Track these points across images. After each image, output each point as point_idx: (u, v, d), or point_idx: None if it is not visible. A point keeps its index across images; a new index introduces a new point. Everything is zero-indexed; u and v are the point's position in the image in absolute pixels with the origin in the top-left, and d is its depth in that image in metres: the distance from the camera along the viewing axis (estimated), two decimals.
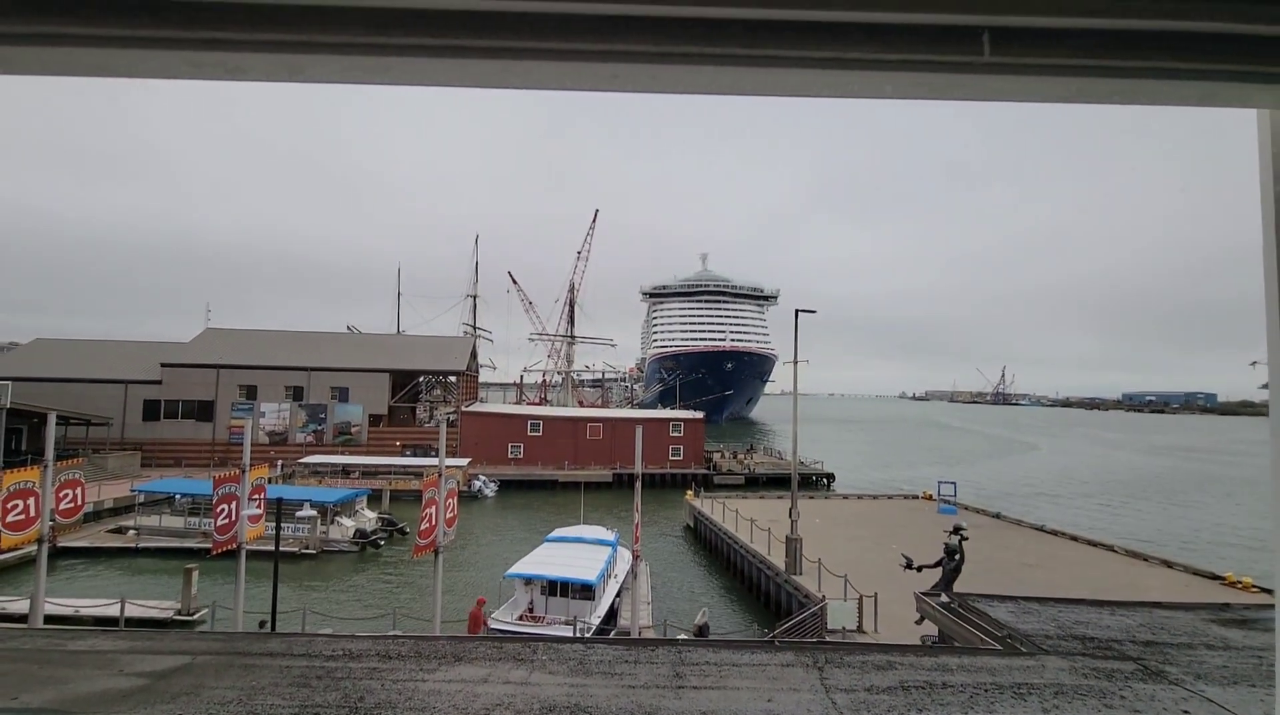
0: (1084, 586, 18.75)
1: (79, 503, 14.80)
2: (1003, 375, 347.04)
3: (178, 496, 33.69)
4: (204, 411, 54.22)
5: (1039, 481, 61.81)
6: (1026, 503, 46.51)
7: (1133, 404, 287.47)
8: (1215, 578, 21.56)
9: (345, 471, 45.98)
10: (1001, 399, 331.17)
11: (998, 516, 33.13)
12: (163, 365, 54.30)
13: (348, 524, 32.60)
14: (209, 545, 18.80)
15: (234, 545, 16.83)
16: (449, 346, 65.49)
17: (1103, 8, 0.48)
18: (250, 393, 55.04)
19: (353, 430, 55.67)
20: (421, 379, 62.88)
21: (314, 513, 30.17)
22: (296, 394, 55.58)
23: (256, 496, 18.35)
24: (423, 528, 17.76)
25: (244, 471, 17.57)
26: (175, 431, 53.52)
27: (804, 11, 0.51)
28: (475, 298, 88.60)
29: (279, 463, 45.52)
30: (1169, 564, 23.74)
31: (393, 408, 58.33)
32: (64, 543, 28.37)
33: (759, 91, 0.58)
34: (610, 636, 18.41)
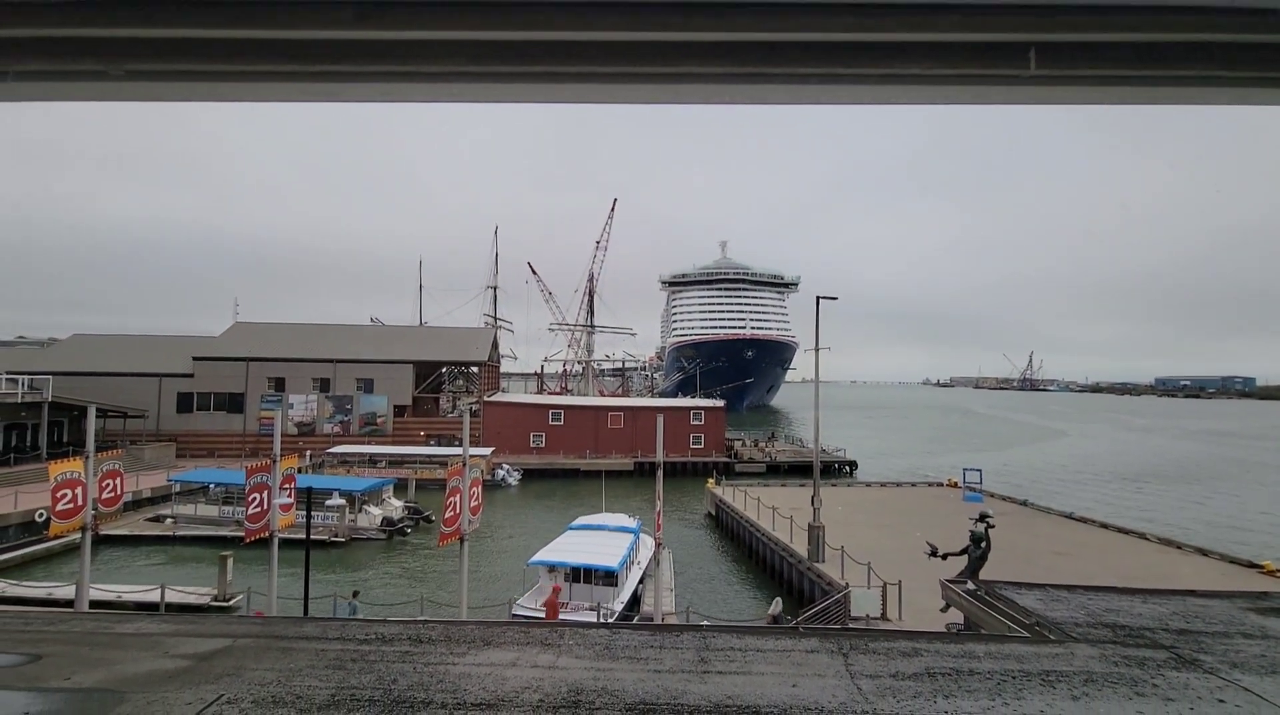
0: (1115, 574, 18.47)
1: (119, 492, 15.30)
2: (1030, 361, 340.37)
3: (212, 486, 34.63)
4: (234, 403, 55.51)
5: (1067, 468, 60.74)
6: (1054, 490, 45.77)
7: (1166, 389, 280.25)
8: (1253, 566, 21.07)
9: (372, 461, 46.83)
10: (1029, 385, 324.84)
11: (1025, 504, 32.68)
12: (194, 359, 55.65)
13: (375, 512, 33.25)
14: (242, 533, 19.36)
15: (266, 533, 17.30)
16: (471, 337, 66.19)
17: (1135, 24, 0.54)
18: (279, 385, 56.20)
19: (378, 421, 56.61)
20: (444, 370, 63.67)
21: (342, 501, 30.85)
22: (323, 386, 56.63)
23: (287, 486, 18.82)
24: (447, 516, 18.06)
25: (275, 461, 18.02)
26: (208, 423, 54.90)
27: (865, 34, 0.56)
28: (495, 289, 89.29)
29: (307, 453, 46.52)
30: (1204, 551, 23.24)
31: (417, 398, 59.17)
32: (105, 531, 29.38)
33: (810, 102, 0.63)
34: (636, 622, 18.60)
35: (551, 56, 0.63)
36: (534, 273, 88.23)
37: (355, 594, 19.68)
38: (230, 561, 22.44)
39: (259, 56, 0.67)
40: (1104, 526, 27.71)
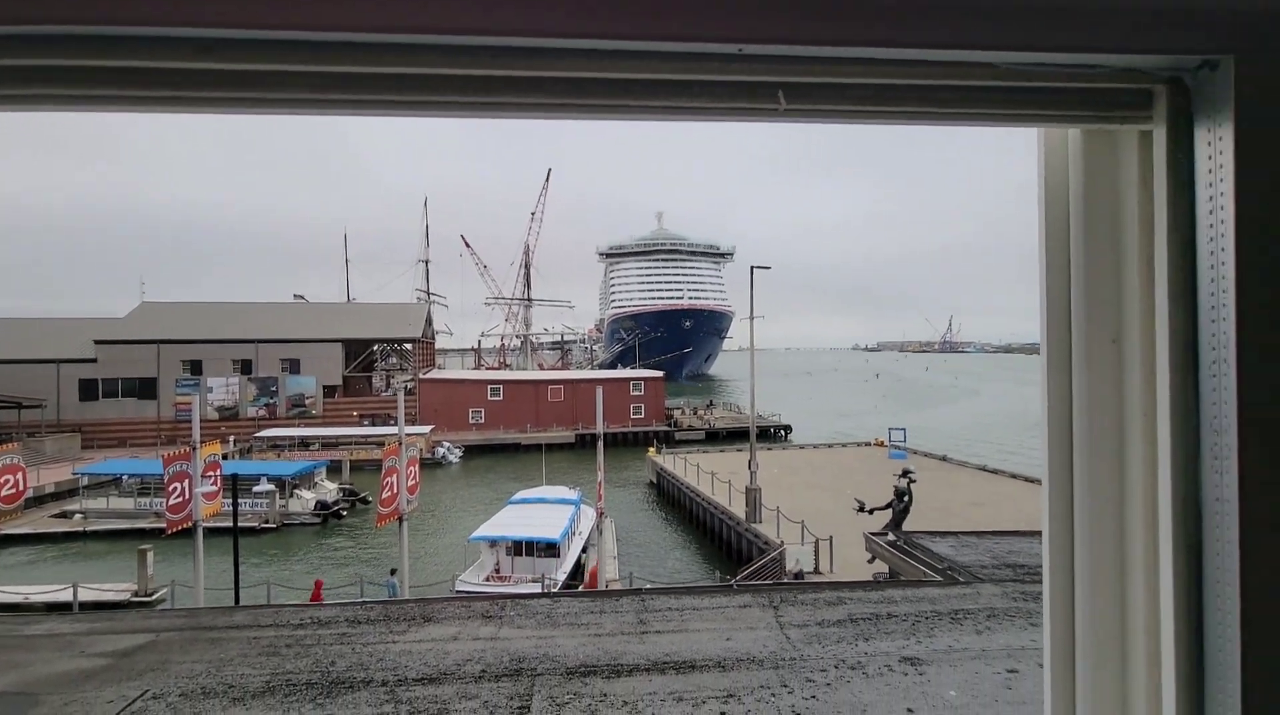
0: (1022, 520, 20.06)
1: (20, 488, 14.25)
2: (949, 325, 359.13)
3: (125, 477, 32.59)
4: (146, 389, 52.04)
5: (980, 424, 64.94)
6: (970, 444, 48.90)
7: None
8: None
9: (304, 444, 45.11)
10: (949, 347, 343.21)
11: (944, 459, 34.83)
12: (97, 342, 51.63)
13: (308, 496, 32.21)
14: (163, 525, 18.40)
15: (189, 523, 16.53)
16: (403, 313, 64.02)
17: (869, 72, 0.68)
18: (195, 368, 53.00)
19: (307, 402, 54.39)
20: (376, 347, 61.55)
21: (272, 487, 29.69)
22: (245, 367, 53.79)
23: (211, 473, 17.98)
24: (384, 496, 17.75)
25: (195, 449, 17.15)
26: (116, 411, 51.32)
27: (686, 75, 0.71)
28: (427, 263, 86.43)
29: (231, 438, 44.30)
30: None
31: (348, 378, 57.10)
32: (5, 530, 27.28)
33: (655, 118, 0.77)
34: (577, 590, 18.93)
35: (513, 89, 0.69)
36: (467, 246, 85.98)
37: (393, 571, 19.03)
38: (150, 555, 21.32)
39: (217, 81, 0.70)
40: (1013, 477, 29.93)
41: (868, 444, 41.54)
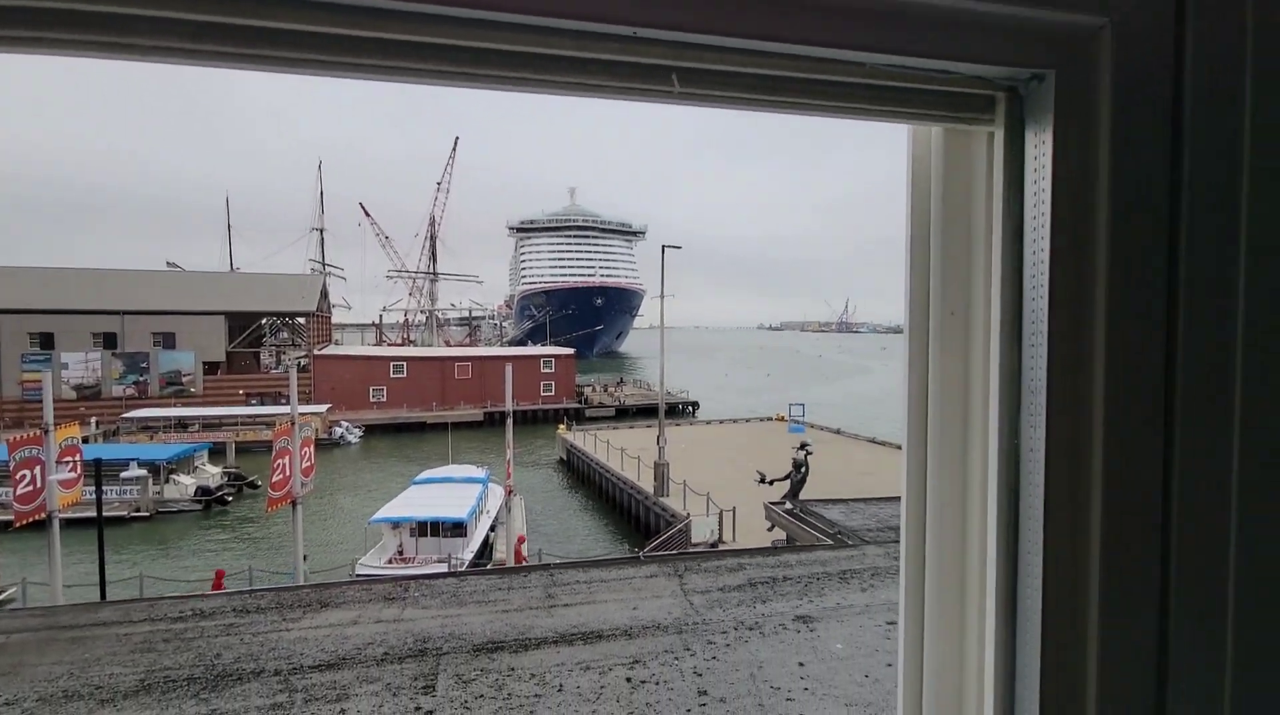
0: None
1: None
2: (846, 306, 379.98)
3: None
4: None
5: (872, 398, 69.55)
6: (862, 418, 52.31)
7: None
8: None
9: (182, 425, 41.48)
10: (845, 328, 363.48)
11: (838, 432, 37.07)
12: None
13: (186, 482, 29.73)
14: (9, 517, 16.43)
15: (42, 514, 14.86)
16: (295, 285, 59.69)
17: (754, 62, 0.75)
18: (46, 341, 47.16)
19: (184, 380, 49.88)
20: (265, 321, 57.16)
21: (144, 472, 27.19)
22: (108, 341, 48.46)
23: (69, 458, 16.18)
24: (275, 479, 16.69)
25: (48, 432, 15.35)
26: None
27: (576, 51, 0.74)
28: (322, 231, 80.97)
29: (93, 420, 40.03)
30: None
31: (232, 354, 52.81)
32: None
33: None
34: (484, 568, 18.74)
35: (416, 55, 0.68)
36: (367, 214, 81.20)
37: (305, 558, 17.72)
38: None
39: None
40: (898, 448, 32.24)
41: (769, 419, 43.43)
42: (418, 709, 4.31)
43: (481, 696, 4.47)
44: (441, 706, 4.34)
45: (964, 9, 0.74)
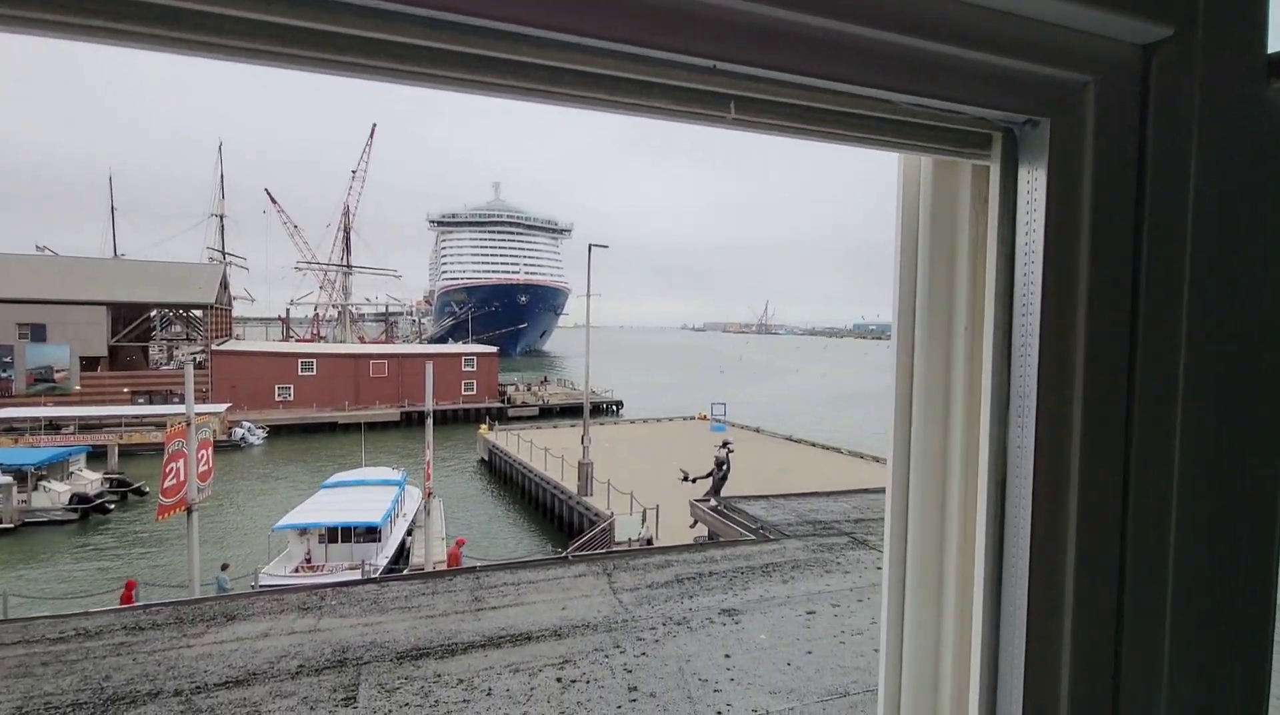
0: (819, 482, 22.76)
1: None
2: (765, 309, 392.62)
3: None
4: None
5: (789, 398, 72.24)
6: (779, 417, 54.19)
7: (860, 332, 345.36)
8: None
9: (55, 426, 37.52)
10: (764, 329, 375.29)
11: (758, 431, 38.26)
12: None
13: (59, 489, 26.92)
14: None
15: None
16: (190, 274, 55.21)
17: (800, 94, 0.86)
18: None
19: (57, 377, 45.11)
20: (155, 313, 52.58)
21: (7, 479, 24.43)
22: None
23: None
24: (167, 486, 15.41)
25: None
26: None
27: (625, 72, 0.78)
28: (222, 218, 75.36)
29: None
30: (878, 458, 29.71)
31: (115, 348, 48.26)
32: None
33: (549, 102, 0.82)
34: (405, 573, 18.07)
35: (493, 70, 0.70)
36: (273, 201, 76.25)
37: (225, 566, 16.18)
38: None
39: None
40: (813, 445, 33.79)
41: (692, 418, 44.22)
42: None
43: (407, 705, 4.33)
44: None
45: (979, 60, 0.86)
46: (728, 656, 5.17)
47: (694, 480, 18.08)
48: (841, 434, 46.43)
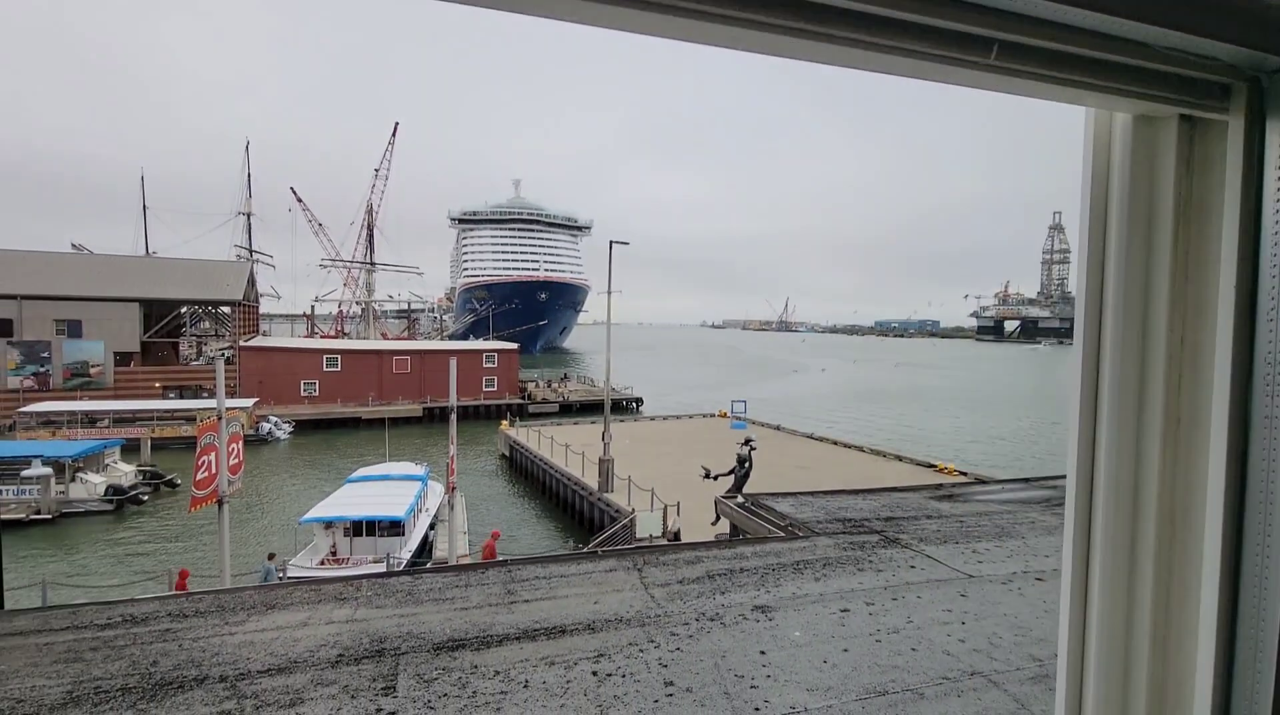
0: (843, 480, 22.55)
1: None
2: (785, 306, 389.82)
3: None
4: None
5: (809, 396, 71.70)
6: (800, 415, 53.82)
7: (882, 330, 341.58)
8: (931, 466, 27.20)
9: (90, 420, 38.51)
10: (784, 327, 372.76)
11: (778, 428, 38.02)
12: None
13: (96, 480, 27.63)
14: None
15: None
16: (219, 272, 56.30)
17: (1059, 37, 0.74)
18: None
19: (92, 372, 46.30)
20: (185, 310, 53.71)
21: (47, 470, 25.13)
22: (3, 328, 44.44)
23: None
24: (199, 478, 15.72)
25: None
26: None
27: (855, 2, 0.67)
28: (249, 216, 76.66)
29: None
30: (900, 457, 29.37)
31: (147, 344, 49.38)
32: None
33: (786, 54, 0.72)
34: (440, 565, 18.27)
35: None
36: (299, 200, 77.38)
37: (271, 556, 16.75)
38: None
39: None
40: (834, 443, 33.49)
41: (712, 415, 44.09)
42: (379, 710, 4.17)
43: (445, 695, 4.36)
44: (404, 707, 4.22)
45: None
46: (763, 653, 5.13)
47: (715, 477, 18.00)
48: (864, 431, 46.02)
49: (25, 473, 23.29)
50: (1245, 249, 0.84)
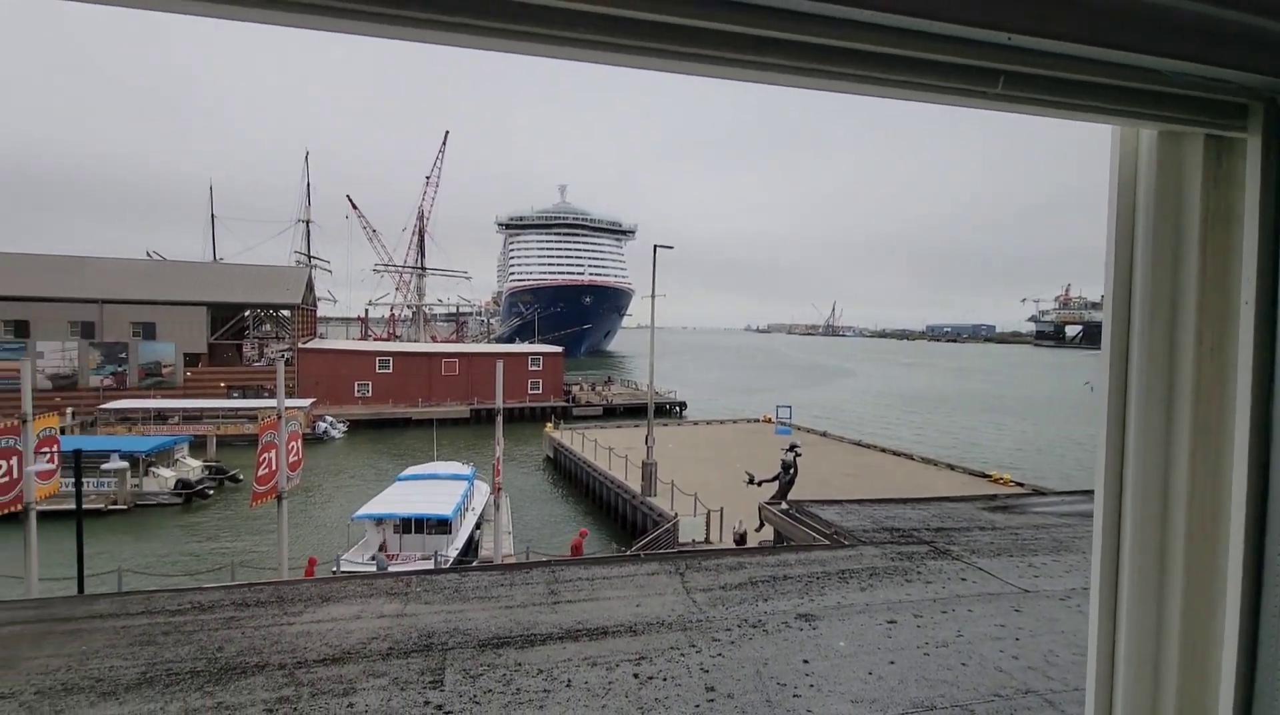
0: (890, 488, 22.01)
1: None
2: (833, 310, 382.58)
3: None
4: None
5: (855, 402, 70.16)
6: (846, 420, 52.71)
7: (934, 335, 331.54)
8: (985, 476, 26.25)
9: (161, 417, 40.78)
10: (831, 331, 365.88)
11: (824, 434, 37.34)
12: None
13: (166, 474, 29.25)
14: None
15: (18, 506, 14.53)
16: (279, 277, 58.91)
17: (1066, 67, 0.80)
18: (20, 329, 46.13)
19: (164, 371, 49.03)
20: (248, 313, 56.34)
21: (124, 464, 26.68)
22: (85, 331, 47.49)
23: (47, 449, 15.84)
24: (261, 473, 16.47)
25: (25, 422, 15.02)
26: None
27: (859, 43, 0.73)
28: (308, 223, 79.95)
29: (69, 411, 39.26)
30: (952, 466, 28.45)
31: (214, 345, 51.99)
32: None
33: (805, 86, 0.79)
34: (487, 564, 18.65)
35: (754, 48, 0.69)
36: (354, 207, 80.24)
37: (382, 547, 18.14)
38: None
39: None
40: (882, 451, 32.68)
41: (756, 420, 43.62)
42: (427, 703, 4.29)
43: (490, 691, 4.46)
44: (451, 700, 4.33)
45: (1238, 19, 0.79)
46: (806, 662, 5.06)
47: (759, 483, 17.82)
48: (915, 439, 44.75)
49: (104, 466, 24.80)
50: (1265, 262, 0.87)
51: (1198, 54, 0.79)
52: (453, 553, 20.40)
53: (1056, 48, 0.77)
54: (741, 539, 17.49)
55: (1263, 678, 0.86)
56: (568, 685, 4.56)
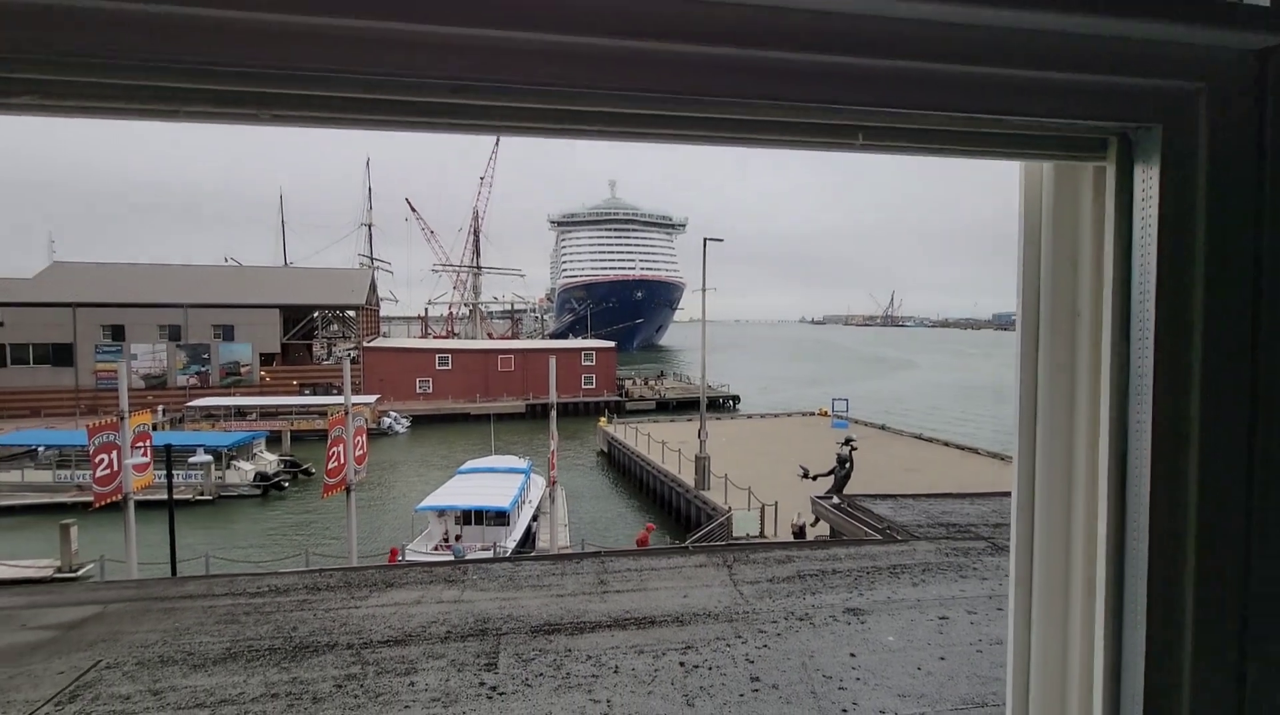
0: (952, 483, 21.31)
1: None
2: (892, 299, 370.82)
3: (41, 448, 30.70)
4: (61, 355, 48.74)
5: (916, 394, 67.99)
6: (907, 413, 51.18)
7: (1001, 323, 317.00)
8: None
9: (240, 413, 43.42)
10: (891, 322, 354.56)
11: (883, 428, 36.42)
12: (0, 304, 47.86)
13: (246, 467, 31.18)
14: (88, 498, 17.55)
15: (119, 496, 15.83)
16: (345, 279, 61.67)
17: (922, 120, 0.96)
18: (116, 333, 49.90)
19: (242, 370, 52.14)
20: (317, 314, 59.21)
21: (208, 458, 28.59)
22: (173, 333, 50.99)
23: (141, 444, 17.18)
24: (330, 467, 17.38)
25: (123, 418, 16.32)
26: (27, 378, 47.96)
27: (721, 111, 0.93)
28: (370, 227, 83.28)
29: (160, 408, 42.25)
30: None
31: (286, 345, 54.91)
32: None
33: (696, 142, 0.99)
34: (541, 554, 19.18)
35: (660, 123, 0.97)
36: (413, 210, 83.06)
37: (459, 537, 19.59)
38: (74, 530, 20.35)
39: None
40: (945, 445, 31.62)
41: (812, 414, 42.92)
42: (482, 684, 4.52)
43: (541, 675, 4.64)
44: (504, 682, 4.54)
45: (1091, 80, 0.95)
46: (852, 655, 5.04)
47: (814, 477, 17.62)
48: (980, 433, 43.07)
49: (191, 460, 26.66)
50: (1120, 273, 1.03)
51: (1056, 109, 0.96)
52: (510, 544, 21.01)
53: (913, 116, 0.95)
54: (801, 531, 17.31)
55: (1128, 654, 1.00)
56: (615, 671, 4.71)
